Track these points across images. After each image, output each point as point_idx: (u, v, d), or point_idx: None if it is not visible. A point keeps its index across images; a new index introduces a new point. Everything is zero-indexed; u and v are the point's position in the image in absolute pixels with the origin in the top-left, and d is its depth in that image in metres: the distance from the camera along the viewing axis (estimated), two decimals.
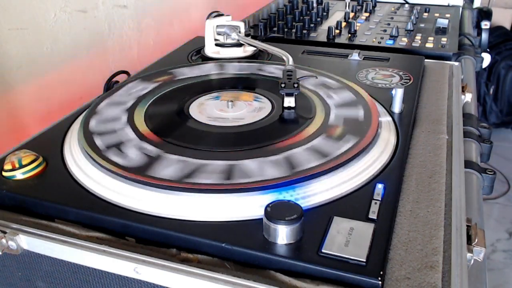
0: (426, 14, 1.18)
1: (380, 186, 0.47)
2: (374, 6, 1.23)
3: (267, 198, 0.44)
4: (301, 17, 1.11)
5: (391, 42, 0.95)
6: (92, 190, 0.48)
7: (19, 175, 0.49)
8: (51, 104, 0.82)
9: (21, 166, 0.50)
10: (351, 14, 1.15)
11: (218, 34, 0.83)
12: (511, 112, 2.49)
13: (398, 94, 0.62)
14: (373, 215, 0.43)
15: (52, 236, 0.43)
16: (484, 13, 1.35)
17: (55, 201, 0.46)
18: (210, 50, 0.85)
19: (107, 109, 0.62)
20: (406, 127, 0.59)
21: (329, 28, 0.99)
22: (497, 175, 0.69)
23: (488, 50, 1.16)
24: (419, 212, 0.46)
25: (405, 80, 0.72)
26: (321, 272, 0.38)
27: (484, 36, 1.20)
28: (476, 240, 0.47)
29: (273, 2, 1.24)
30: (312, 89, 0.67)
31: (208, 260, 0.41)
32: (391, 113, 0.62)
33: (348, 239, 0.40)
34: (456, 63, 0.84)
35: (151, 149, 0.52)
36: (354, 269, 0.37)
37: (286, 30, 1.06)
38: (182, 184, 0.46)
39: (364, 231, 0.41)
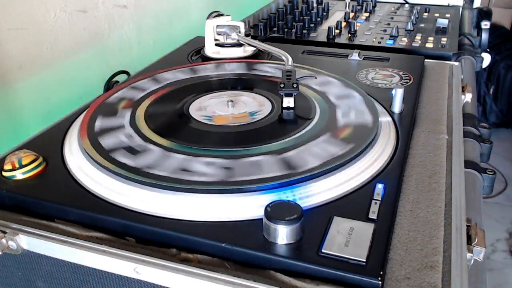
0: (426, 14, 1.18)
1: (380, 186, 0.47)
2: (374, 6, 1.23)
3: (267, 198, 0.44)
4: (301, 17, 1.11)
5: (391, 42, 0.95)
6: (92, 190, 0.48)
7: (19, 175, 0.49)
8: (51, 104, 0.82)
9: (21, 166, 0.50)
10: (351, 14, 1.15)
11: (218, 34, 0.83)
12: (511, 112, 2.49)
13: (398, 94, 0.62)
14: (373, 215, 0.43)
15: (52, 236, 0.43)
16: (484, 13, 1.34)
17: (55, 201, 0.46)
18: (210, 50, 0.85)
19: (107, 108, 0.62)
20: (406, 127, 0.59)
21: (329, 28, 0.99)
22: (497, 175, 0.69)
23: (488, 50, 1.16)
24: (419, 212, 0.46)
25: (405, 80, 0.72)
26: (321, 272, 0.38)
27: (484, 36, 1.20)
28: (476, 240, 0.47)
29: (273, 2, 1.24)
30: (311, 89, 0.67)
31: (208, 260, 0.41)
32: (391, 113, 0.62)
33: (348, 239, 0.40)
34: (456, 63, 0.84)
35: (151, 148, 0.52)
36: (354, 269, 0.37)
37: (286, 30, 1.06)
38: (182, 184, 0.46)
39: (364, 231, 0.41)
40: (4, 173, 0.50)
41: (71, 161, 0.52)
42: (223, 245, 0.40)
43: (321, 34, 1.02)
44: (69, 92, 0.86)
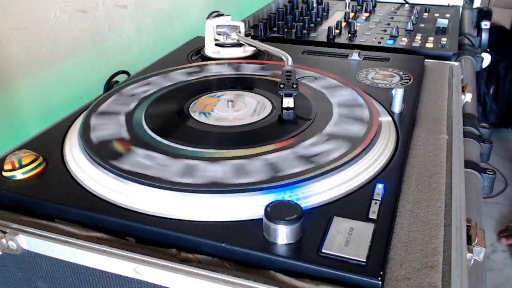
0: (426, 14, 1.18)
1: (380, 186, 0.47)
2: (374, 6, 1.23)
3: (267, 198, 0.44)
4: (301, 17, 1.11)
5: (391, 42, 0.95)
6: (92, 190, 0.48)
7: (19, 175, 0.49)
8: (51, 104, 0.82)
9: (21, 166, 0.50)
10: (351, 14, 1.15)
11: (218, 34, 0.83)
12: (511, 112, 2.48)
13: (398, 94, 0.62)
14: (373, 215, 0.43)
15: (52, 236, 0.43)
16: (484, 13, 1.35)
17: (55, 201, 0.46)
18: (210, 50, 0.85)
19: (107, 109, 0.62)
20: (406, 127, 0.59)
21: (329, 28, 0.99)
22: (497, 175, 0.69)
23: (488, 50, 1.16)
24: (419, 212, 0.46)
25: (405, 80, 0.72)
26: (321, 272, 0.38)
27: (484, 36, 1.20)
28: (476, 240, 0.47)
29: (273, 2, 1.24)
30: (311, 89, 0.67)
31: (208, 260, 0.41)
32: (391, 113, 0.62)
33: (348, 239, 0.40)
34: (456, 63, 0.84)
35: (151, 149, 0.52)
36: (354, 269, 0.37)
37: (286, 30, 1.06)
38: (182, 184, 0.46)
39: (364, 231, 0.41)
40: (4, 173, 0.50)
41: (71, 161, 0.52)
42: (223, 245, 0.40)
43: (321, 34, 1.02)
44: (69, 92, 0.86)
